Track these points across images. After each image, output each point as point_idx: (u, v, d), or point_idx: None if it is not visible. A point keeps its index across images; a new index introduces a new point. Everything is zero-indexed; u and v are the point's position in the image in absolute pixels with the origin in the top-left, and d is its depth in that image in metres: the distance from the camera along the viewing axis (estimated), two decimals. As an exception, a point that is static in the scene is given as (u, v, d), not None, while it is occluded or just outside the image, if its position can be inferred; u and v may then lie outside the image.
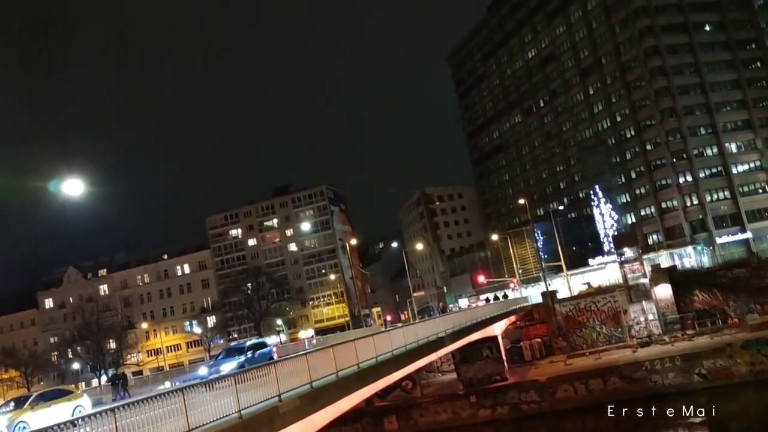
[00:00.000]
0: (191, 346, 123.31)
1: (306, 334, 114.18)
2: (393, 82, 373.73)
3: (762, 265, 62.61)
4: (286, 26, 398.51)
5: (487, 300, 77.30)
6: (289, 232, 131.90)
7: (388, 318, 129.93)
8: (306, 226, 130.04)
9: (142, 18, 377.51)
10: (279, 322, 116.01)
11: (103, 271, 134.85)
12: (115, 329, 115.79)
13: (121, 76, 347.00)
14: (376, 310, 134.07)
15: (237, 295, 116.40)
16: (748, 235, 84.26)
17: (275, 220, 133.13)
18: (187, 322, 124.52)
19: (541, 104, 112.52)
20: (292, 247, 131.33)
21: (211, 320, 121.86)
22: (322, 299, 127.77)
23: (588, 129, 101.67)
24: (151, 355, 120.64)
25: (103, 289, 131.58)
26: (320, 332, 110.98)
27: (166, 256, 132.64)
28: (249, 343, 34.36)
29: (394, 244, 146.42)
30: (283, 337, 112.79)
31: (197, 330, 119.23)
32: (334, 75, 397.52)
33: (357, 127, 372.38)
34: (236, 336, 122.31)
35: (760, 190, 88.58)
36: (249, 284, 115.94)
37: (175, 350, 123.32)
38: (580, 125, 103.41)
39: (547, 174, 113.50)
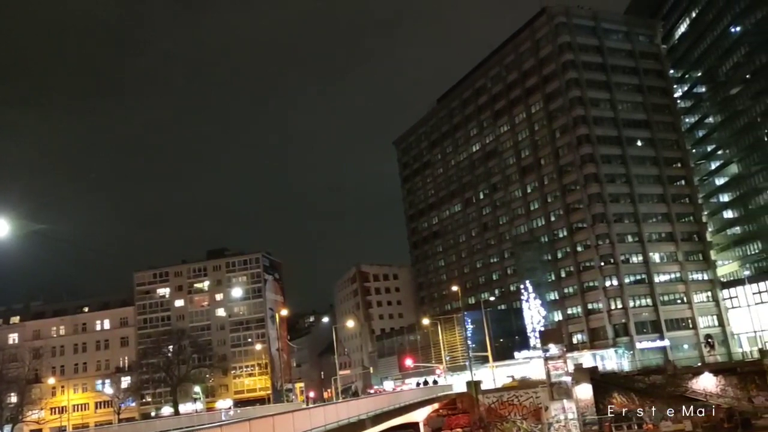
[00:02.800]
0: (100, 407, 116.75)
1: (224, 404, 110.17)
2: (340, 159, 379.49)
3: (677, 373, 64.70)
4: (243, 97, 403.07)
5: (418, 384, 77.03)
6: (219, 297, 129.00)
7: (311, 394, 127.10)
8: (237, 292, 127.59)
9: (102, 70, 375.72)
10: (197, 389, 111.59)
11: (15, 319, 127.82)
12: (19, 382, 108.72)
13: (66, 120, 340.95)
14: (299, 385, 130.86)
15: (156, 357, 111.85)
16: (666, 342, 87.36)
17: (206, 283, 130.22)
18: (100, 381, 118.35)
19: (481, 196, 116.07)
20: (221, 312, 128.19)
21: (126, 381, 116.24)
22: (244, 369, 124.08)
23: (523, 225, 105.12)
24: (55, 413, 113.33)
25: (13, 337, 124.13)
26: (239, 403, 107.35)
27: (86, 309, 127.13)
28: None
29: (325, 319, 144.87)
30: (200, 406, 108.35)
31: (109, 390, 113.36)
32: (283, 148, 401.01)
33: (300, 198, 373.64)
34: (149, 400, 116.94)
35: (679, 301, 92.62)
36: (171, 346, 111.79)
37: (82, 410, 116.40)
38: (516, 220, 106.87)
39: (481, 264, 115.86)
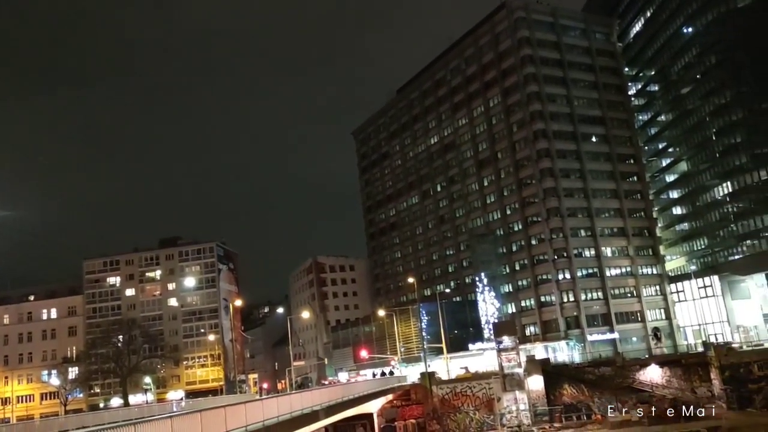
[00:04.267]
0: (46, 398, 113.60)
1: (175, 395, 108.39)
2: (299, 149, 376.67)
3: (626, 365, 66.12)
4: (201, 85, 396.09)
5: (375, 375, 77.10)
6: (171, 286, 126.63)
7: (265, 386, 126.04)
8: (190, 282, 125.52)
9: (64, 53, 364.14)
10: (147, 380, 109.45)
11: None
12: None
13: (15, 104, 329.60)
14: (252, 376, 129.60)
15: (106, 347, 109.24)
16: (616, 335, 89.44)
17: (158, 272, 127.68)
18: (46, 372, 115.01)
19: (439, 189, 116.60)
20: (173, 302, 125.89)
21: (73, 372, 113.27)
22: (197, 360, 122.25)
23: (480, 218, 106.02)
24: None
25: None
26: (191, 395, 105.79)
27: (32, 298, 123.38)
28: None
29: (280, 310, 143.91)
30: (150, 397, 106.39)
31: (55, 381, 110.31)
32: (241, 137, 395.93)
33: (257, 188, 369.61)
34: (98, 391, 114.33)
35: (629, 295, 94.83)
36: (121, 336, 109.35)
37: (27, 401, 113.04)
38: (472, 213, 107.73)
39: (437, 256, 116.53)
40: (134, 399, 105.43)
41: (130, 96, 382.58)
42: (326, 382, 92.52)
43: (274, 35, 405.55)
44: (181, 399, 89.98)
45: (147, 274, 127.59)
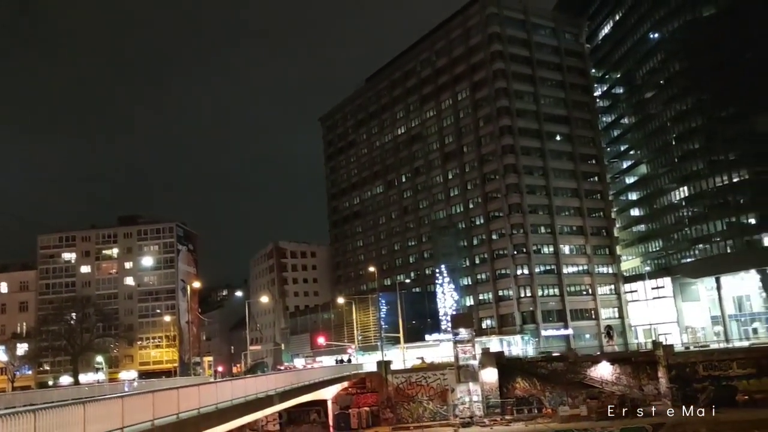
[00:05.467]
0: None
1: (128, 375, 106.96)
2: (264, 133, 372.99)
3: (578, 361, 67.40)
4: (169, 63, 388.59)
5: (338, 362, 77.31)
6: (128, 265, 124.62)
7: (220, 369, 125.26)
8: (148, 261, 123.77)
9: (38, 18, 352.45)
10: (99, 359, 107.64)
11: None
12: None
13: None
14: (208, 359, 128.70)
15: (58, 324, 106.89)
16: (570, 331, 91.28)
17: (116, 250, 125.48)
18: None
19: (403, 179, 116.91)
20: (129, 281, 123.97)
21: (23, 348, 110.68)
22: (151, 340, 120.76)
23: (443, 210, 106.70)
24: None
25: None
26: (144, 375, 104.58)
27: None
28: None
29: (239, 294, 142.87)
30: (102, 376, 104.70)
31: (3, 357, 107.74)
32: (208, 118, 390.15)
33: (221, 170, 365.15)
34: (48, 368, 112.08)
35: (584, 292, 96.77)
36: (74, 314, 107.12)
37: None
38: (435, 205, 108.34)
39: (399, 246, 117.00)
40: (85, 378, 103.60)
41: (95, 69, 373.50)
42: (282, 368, 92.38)
43: (242, 12, 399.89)
44: (134, 379, 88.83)
45: (104, 251, 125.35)
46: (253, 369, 76.83)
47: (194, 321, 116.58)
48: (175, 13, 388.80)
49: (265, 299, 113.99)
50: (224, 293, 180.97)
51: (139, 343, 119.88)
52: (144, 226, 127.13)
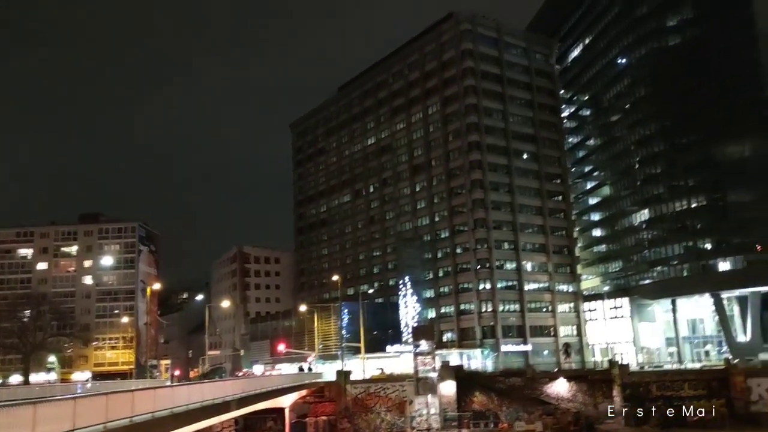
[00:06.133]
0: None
1: (81, 376, 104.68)
2: (234, 138, 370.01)
3: (535, 377, 68.23)
4: (144, 64, 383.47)
5: (301, 369, 76.92)
6: (87, 263, 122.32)
7: (177, 372, 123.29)
8: (108, 261, 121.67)
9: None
10: (52, 358, 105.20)
11: None
12: None
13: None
14: (165, 362, 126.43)
15: (10, 321, 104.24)
16: (529, 347, 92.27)
17: (75, 248, 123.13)
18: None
19: (371, 190, 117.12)
20: (88, 280, 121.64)
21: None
22: (108, 341, 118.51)
23: (409, 222, 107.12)
24: None
25: None
26: (98, 377, 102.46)
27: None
28: None
29: (199, 297, 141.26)
30: (54, 376, 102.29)
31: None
32: (179, 120, 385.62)
33: (189, 173, 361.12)
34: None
35: (544, 309, 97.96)
36: (28, 311, 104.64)
37: None
38: (402, 217, 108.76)
39: (363, 256, 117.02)
40: (36, 378, 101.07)
41: (57, 60, 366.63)
42: (240, 374, 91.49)
43: (222, 16, 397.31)
44: (87, 380, 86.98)
45: (63, 248, 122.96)
46: (210, 374, 76.01)
47: (153, 323, 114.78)
48: (146, 15, 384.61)
49: (226, 304, 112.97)
50: (185, 296, 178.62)
51: (94, 343, 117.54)
52: (105, 224, 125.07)
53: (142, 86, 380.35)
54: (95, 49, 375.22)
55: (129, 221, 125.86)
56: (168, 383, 72.85)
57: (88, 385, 59.98)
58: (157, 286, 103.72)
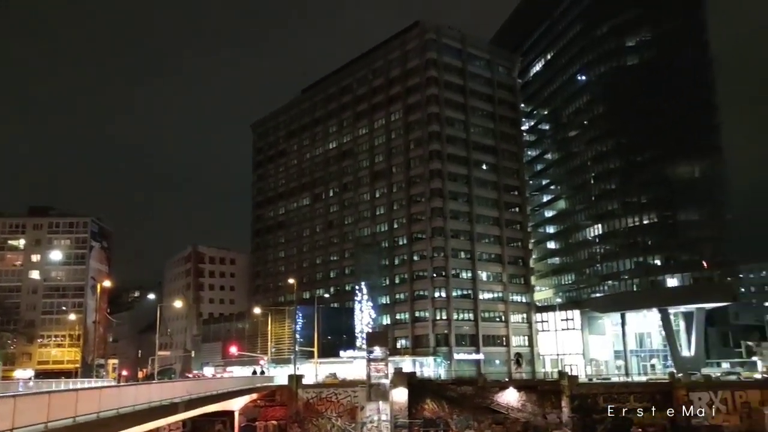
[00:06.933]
0: None
1: (24, 374, 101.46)
2: (195, 136, 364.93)
3: (486, 386, 68.88)
4: (105, 60, 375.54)
5: (255, 373, 75.98)
6: (35, 258, 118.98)
7: (125, 373, 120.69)
8: (57, 255, 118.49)
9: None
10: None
11: None
12: None
13: None
14: (113, 361, 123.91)
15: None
16: (481, 356, 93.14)
17: (23, 241, 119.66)
18: None
19: (331, 194, 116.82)
20: (35, 274, 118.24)
21: None
22: (54, 339, 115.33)
23: (368, 228, 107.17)
24: None
25: None
26: (42, 375, 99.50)
27: None
28: None
29: (151, 296, 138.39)
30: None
31: None
32: (138, 115, 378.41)
33: (146, 170, 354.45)
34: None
35: (497, 319, 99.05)
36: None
37: None
38: (361, 222, 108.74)
39: (321, 260, 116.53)
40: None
41: (24, 50, 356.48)
42: (190, 375, 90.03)
43: (186, 16, 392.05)
44: (30, 379, 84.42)
45: (9, 241, 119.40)
46: (156, 375, 74.56)
47: (102, 321, 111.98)
48: (114, 12, 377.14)
49: (178, 304, 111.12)
50: (136, 294, 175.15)
51: (39, 340, 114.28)
52: (56, 218, 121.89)
53: (103, 83, 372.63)
54: (54, 43, 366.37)
55: (81, 216, 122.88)
56: (114, 383, 71.31)
57: (31, 383, 58.19)
58: (107, 283, 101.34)
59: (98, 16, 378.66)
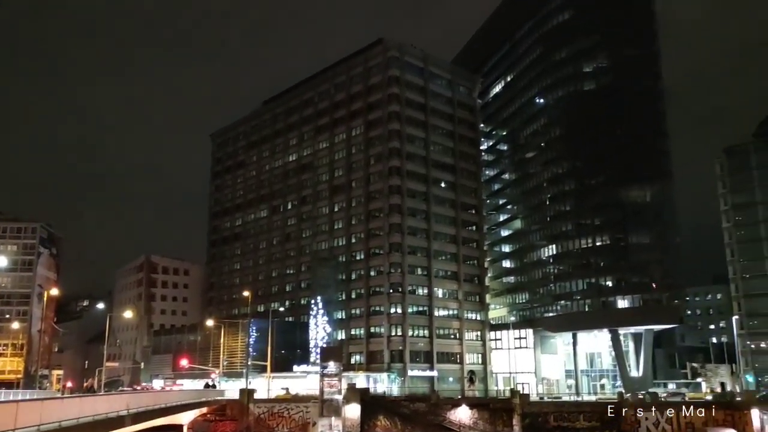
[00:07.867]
0: None
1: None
2: (152, 143, 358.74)
3: (439, 403, 69.00)
4: (65, 60, 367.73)
5: (207, 386, 74.65)
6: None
7: (69, 384, 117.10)
8: (2, 261, 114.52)
9: None
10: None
11: None
12: None
13: None
14: (57, 372, 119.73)
15: None
16: (435, 373, 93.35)
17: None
18: None
19: (289, 207, 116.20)
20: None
21: None
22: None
23: (325, 242, 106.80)
24: None
25: None
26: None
27: None
28: None
29: (101, 305, 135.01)
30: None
31: None
32: (95, 119, 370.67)
33: (100, 176, 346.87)
34: None
35: (452, 336, 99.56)
36: None
37: None
38: (318, 236, 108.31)
39: (276, 273, 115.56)
40: None
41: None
42: (138, 387, 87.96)
43: (148, 22, 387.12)
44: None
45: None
46: (103, 387, 72.60)
47: (47, 330, 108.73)
48: (76, 14, 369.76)
49: (129, 314, 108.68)
50: (85, 303, 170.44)
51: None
52: (3, 223, 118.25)
53: (61, 84, 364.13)
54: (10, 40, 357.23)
55: (30, 221, 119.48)
56: (58, 395, 69.19)
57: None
58: (55, 291, 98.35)
59: (60, 14, 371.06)
